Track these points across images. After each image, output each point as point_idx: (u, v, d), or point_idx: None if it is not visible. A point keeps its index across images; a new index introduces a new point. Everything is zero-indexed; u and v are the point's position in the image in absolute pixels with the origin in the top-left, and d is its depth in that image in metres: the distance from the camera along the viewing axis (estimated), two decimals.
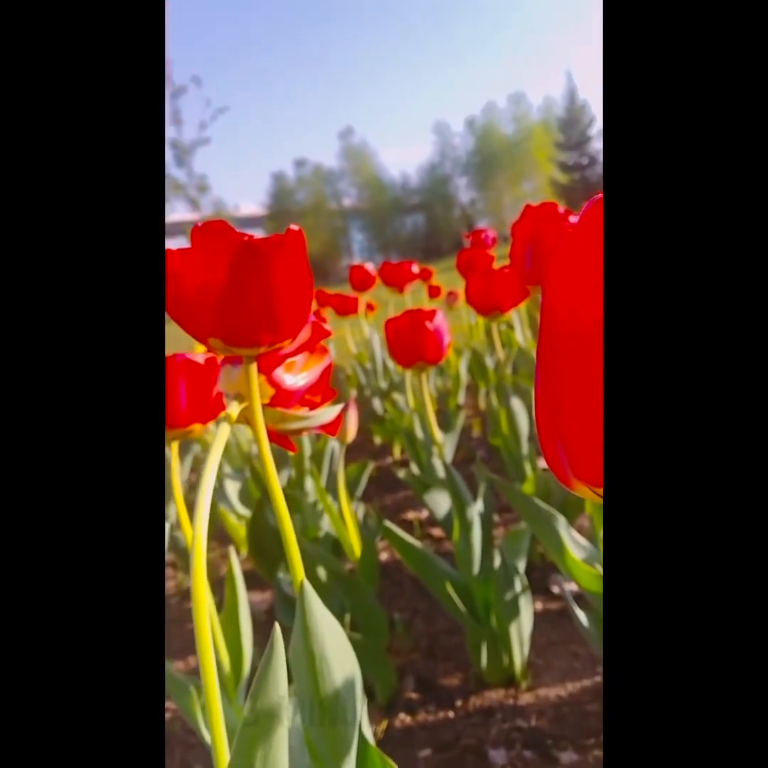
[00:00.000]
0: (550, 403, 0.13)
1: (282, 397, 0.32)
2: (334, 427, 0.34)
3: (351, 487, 0.90)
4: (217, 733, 0.27)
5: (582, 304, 0.13)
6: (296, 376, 0.32)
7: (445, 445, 1.02)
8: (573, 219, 0.51)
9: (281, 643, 0.24)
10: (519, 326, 1.39)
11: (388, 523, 0.61)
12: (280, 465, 0.98)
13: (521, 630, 0.61)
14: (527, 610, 0.61)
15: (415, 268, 1.59)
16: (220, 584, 0.85)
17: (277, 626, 0.23)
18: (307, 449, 0.91)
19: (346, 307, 1.79)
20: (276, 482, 0.28)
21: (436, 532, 1.03)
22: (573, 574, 0.48)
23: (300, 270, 0.27)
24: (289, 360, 0.32)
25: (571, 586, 0.73)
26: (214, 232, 0.27)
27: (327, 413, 0.32)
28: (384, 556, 0.96)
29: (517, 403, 0.91)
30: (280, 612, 0.70)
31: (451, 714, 0.62)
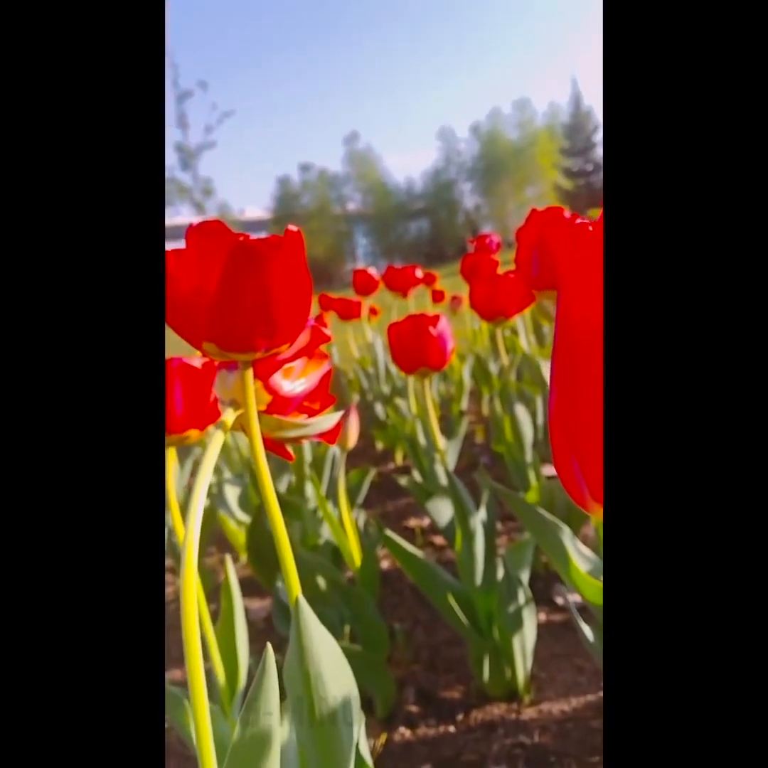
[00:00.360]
0: (567, 417, 0.12)
1: (279, 404, 0.30)
2: (333, 435, 0.33)
3: (352, 494, 0.88)
4: (205, 754, 0.26)
5: (600, 310, 0.12)
6: (294, 382, 0.31)
7: (448, 451, 1.01)
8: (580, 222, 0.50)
9: (274, 663, 0.23)
10: (523, 332, 1.38)
11: (389, 533, 0.59)
12: (279, 470, 0.97)
13: (524, 642, 0.60)
14: (530, 622, 0.60)
15: (419, 273, 1.57)
16: (218, 592, 0.84)
17: (268, 647, 0.22)
18: (308, 455, 0.90)
19: (349, 311, 1.78)
20: (272, 495, 0.27)
21: (438, 540, 1.01)
22: (578, 586, 0.47)
23: (298, 272, 0.26)
24: (286, 365, 0.31)
25: (575, 598, 0.71)
26: (209, 232, 0.25)
27: (326, 421, 0.31)
28: (385, 564, 0.95)
29: (521, 410, 0.89)
30: (278, 621, 0.69)
31: (451, 728, 0.60)
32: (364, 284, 1.69)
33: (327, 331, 0.31)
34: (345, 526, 0.66)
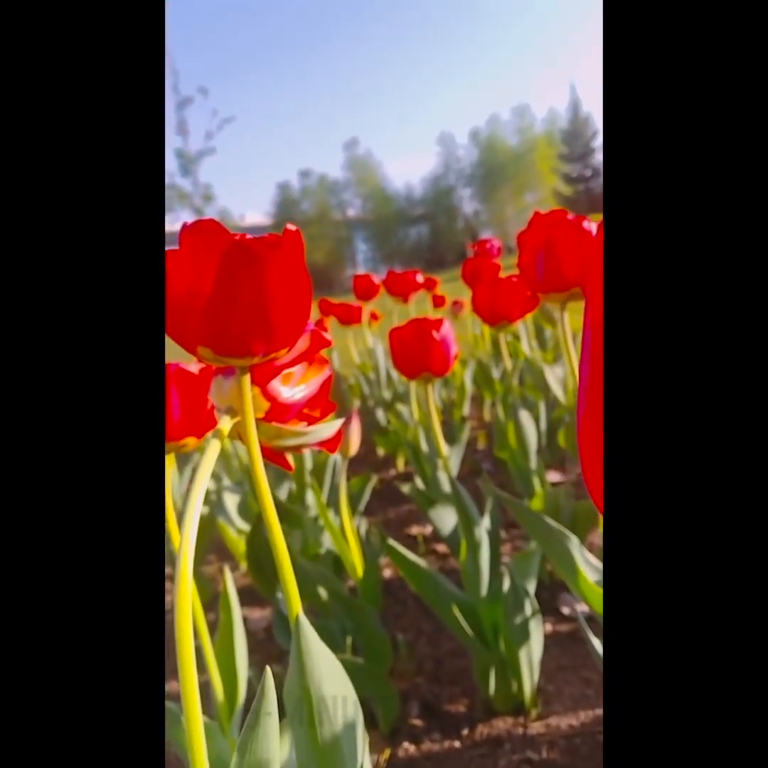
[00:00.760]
0: (597, 426, 0.10)
1: (278, 412, 0.29)
2: (334, 443, 0.32)
3: (353, 501, 0.87)
4: None
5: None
6: (293, 388, 0.30)
7: (450, 458, 1.00)
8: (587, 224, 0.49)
9: (273, 686, 0.22)
10: (525, 336, 1.37)
11: (391, 542, 0.58)
12: (280, 478, 0.95)
13: (531, 654, 0.59)
14: (537, 633, 0.58)
15: (420, 278, 1.57)
16: (218, 600, 0.82)
17: (267, 670, 0.21)
18: (308, 462, 0.89)
19: (349, 316, 1.77)
20: (271, 507, 0.26)
21: (441, 548, 1.00)
22: (586, 597, 0.45)
23: (297, 273, 0.25)
24: (285, 371, 0.30)
25: (583, 607, 0.70)
26: (204, 231, 0.24)
27: (326, 429, 0.30)
28: (387, 573, 0.93)
29: (524, 415, 0.88)
30: (279, 632, 0.68)
31: (457, 743, 0.59)
32: (364, 289, 1.68)
33: (327, 336, 0.30)
34: (346, 534, 0.65)
